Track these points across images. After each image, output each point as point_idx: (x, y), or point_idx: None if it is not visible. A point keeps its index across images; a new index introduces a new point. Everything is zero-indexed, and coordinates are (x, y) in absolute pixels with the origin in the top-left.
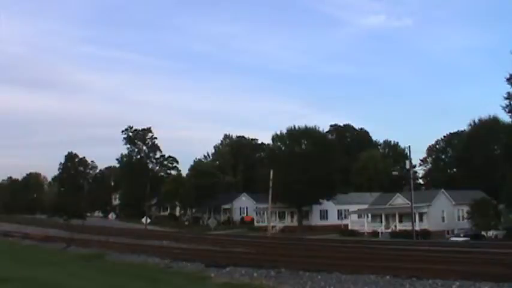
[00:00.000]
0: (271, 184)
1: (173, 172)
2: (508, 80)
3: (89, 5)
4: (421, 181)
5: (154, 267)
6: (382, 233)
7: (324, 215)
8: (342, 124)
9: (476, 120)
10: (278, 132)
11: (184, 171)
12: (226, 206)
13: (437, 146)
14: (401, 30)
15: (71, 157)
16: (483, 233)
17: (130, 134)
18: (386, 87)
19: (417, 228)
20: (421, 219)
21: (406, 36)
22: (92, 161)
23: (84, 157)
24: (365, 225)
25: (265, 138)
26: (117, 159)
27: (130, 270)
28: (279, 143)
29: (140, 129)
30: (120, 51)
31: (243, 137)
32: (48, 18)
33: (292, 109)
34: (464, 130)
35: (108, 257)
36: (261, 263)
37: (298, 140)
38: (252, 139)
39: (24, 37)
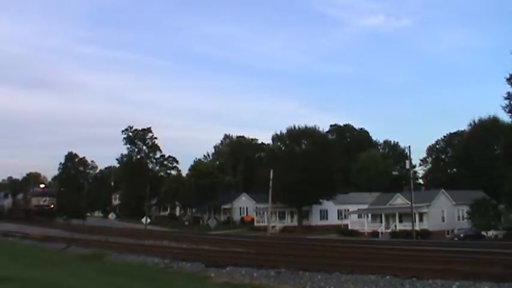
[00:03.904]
0: (271, 184)
1: (173, 172)
2: (508, 80)
3: (89, 5)
4: (421, 181)
5: (154, 267)
6: (382, 233)
7: (324, 215)
8: (342, 124)
9: (476, 120)
10: (278, 132)
11: (184, 171)
12: (226, 206)
13: (437, 146)
14: (400, 30)
15: (71, 157)
16: (483, 233)
17: (130, 134)
18: (386, 87)
19: (417, 228)
20: (421, 219)
21: (405, 37)
22: (92, 161)
23: (84, 157)
24: (365, 225)
25: (265, 138)
26: (117, 159)
27: (130, 270)
28: (279, 143)
29: (140, 129)
30: (120, 52)
31: (243, 137)
32: (48, 18)
33: (292, 109)
34: (464, 130)
35: (108, 257)
36: (261, 263)
37: (298, 140)
38: (252, 139)
39: (24, 37)
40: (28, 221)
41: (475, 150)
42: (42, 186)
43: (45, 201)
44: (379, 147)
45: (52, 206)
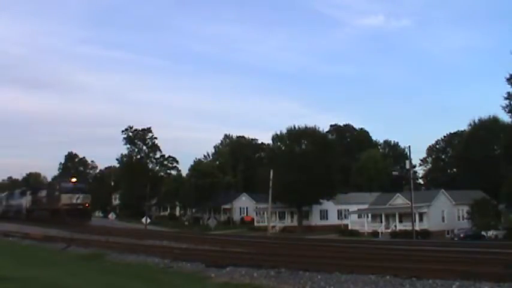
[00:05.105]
0: (271, 184)
1: (173, 172)
2: (508, 80)
3: (88, 5)
4: (421, 181)
5: (154, 267)
6: (382, 233)
7: (324, 215)
8: (342, 124)
9: (476, 120)
10: (278, 132)
11: (184, 171)
12: (226, 206)
13: (437, 146)
14: (400, 30)
15: (71, 157)
16: (483, 233)
17: (130, 134)
18: (386, 87)
19: (417, 228)
20: (421, 219)
21: (405, 37)
22: (92, 161)
23: (84, 157)
24: (365, 225)
25: (265, 138)
26: (117, 159)
27: (131, 270)
28: (279, 143)
29: (140, 129)
30: (120, 52)
31: (243, 137)
32: (48, 18)
33: (292, 109)
34: (464, 130)
35: (108, 257)
36: (261, 263)
37: (298, 140)
38: (252, 139)
39: (24, 37)
40: (57, 223)
41: (475, 150)
42: (73, 180)
43: (78, 198)
44: (379, 147)
45: (87, 204)
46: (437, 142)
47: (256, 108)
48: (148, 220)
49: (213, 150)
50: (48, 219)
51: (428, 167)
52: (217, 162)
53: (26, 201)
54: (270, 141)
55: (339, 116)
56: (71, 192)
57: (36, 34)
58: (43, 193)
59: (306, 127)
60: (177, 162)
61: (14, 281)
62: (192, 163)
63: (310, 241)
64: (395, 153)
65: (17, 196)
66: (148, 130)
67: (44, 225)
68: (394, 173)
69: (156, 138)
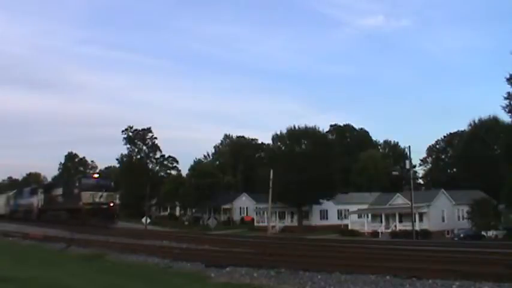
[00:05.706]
0: (271, 184)
1: (173, 172)
2: (508, 80)
3: (89, 5)
4: (421, 181)
5: (154, 267)
6: (382, 233)
7: (324, 215)
8: (342, 124)
9: (476, 120)
10: (278, 132)
11: (184, 171)
12: (226, 206)
13: (437, 146)
14: (400, 30)
15: (71, 157)
16: (483, 233)
17: (130, 134)
18: (386, 87)
19: (417, 228)
20: (421, 219)
21: (405, 37)
22: (92, 161)
23: (84, 157)
24: (365, 225)
25: (265, 138)
26: (117, 159)
27: (131, 270)
28: (279, 143)
29: (140, 129)
30: (120, 52)
31: (243, 137)
32: (48, 18)
33: (292, 109)
34: (464, 130)
35: (108, 257)
36: (261, 263)
37: (298, 140)
38: (252, 139)
39: (24, 37)
40: (78, 226)
41: (475, 150)
42: (95, 175)
43: (101, 197)
44: (379, 147)
45: (112, 204)
46: (437, 142)
47: (256, 108)
48: (148, 220)
49: (213, 150)
50: (66, 221)
51: (428, 167)
52: (217, 162)
53: (37, 200)
54: (270, 141)
55: (339, 116)
56: (94, 190)
57: (36, 34)
58: (59, 191)
59: (306, 127)
60: (177, 162)
61: (14, 281)
62: (192, 163)
63: (310, 241)
64: (395, 153)
65: (26, 194)
66: (148, 130)
67: (44, 225)
68: (394, 173)
69: (156, 138)
